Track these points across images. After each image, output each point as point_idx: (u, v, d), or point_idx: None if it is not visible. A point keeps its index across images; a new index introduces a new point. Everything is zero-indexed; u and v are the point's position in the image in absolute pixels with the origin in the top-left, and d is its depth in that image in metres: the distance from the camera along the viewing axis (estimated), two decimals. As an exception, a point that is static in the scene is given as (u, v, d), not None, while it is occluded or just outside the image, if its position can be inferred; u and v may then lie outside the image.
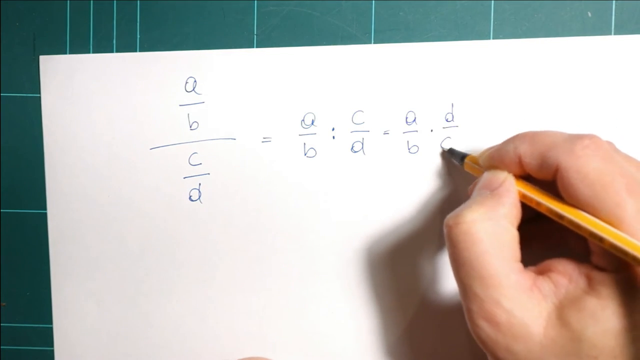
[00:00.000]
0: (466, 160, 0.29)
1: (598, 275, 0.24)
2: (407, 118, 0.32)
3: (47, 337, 0.34)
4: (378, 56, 0.31)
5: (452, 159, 0.31)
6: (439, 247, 0.32)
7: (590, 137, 0.24)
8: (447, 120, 0.31)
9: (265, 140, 0.32)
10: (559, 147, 0.24)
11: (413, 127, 0.32)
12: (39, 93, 0.33)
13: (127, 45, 0.32)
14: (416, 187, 0.32)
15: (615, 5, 0.31)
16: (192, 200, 0.33)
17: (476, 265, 0.24)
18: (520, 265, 0.25)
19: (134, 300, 0.33)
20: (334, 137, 0.32)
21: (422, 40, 0.31)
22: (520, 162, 0.26)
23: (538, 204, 0.26)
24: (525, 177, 0.26)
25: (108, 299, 0.33)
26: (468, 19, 0.31)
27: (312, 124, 0.32)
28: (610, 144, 0.25)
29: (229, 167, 0.32)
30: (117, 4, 0.32)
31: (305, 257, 0.32)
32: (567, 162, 0.24)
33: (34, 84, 0.33)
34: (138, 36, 0.32)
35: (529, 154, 0.25)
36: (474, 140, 0.31)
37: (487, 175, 0.27)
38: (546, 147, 0.25)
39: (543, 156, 0.25)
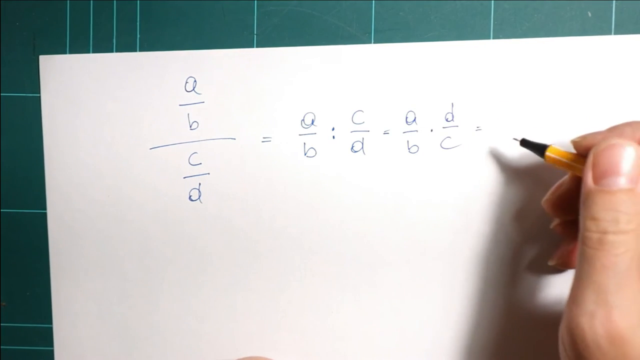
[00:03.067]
0: (547, 152, 0.27)
1: None
2: (407, 118, 0.32)
3: (47, 337, 0.34)
4: (378, 56, 0.31)
5: (528, 149, 0.29)
6: (438, 246, 0.32)
7: None
8: (447, 120, 0.31)
9: (265, 140, 0.32)
10: None
11: (413, 127, 0.32)
12: (39, 93, 0.33)
13: (127, 45, 0.32)
14: (416, 187, 0.32)
15: (615, 5, 0.31)
16: (192, 200, 0.33)
17: None
18: None
19: (134, 300, 0.33)
20: (334, 137, 0.32)
21: (422, 40, 0.31)
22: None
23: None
24: None
25: (108, 299, 0.33)
26: (468, 19, 0.31)
27: (312, 123, 0.32)
28: None
29: (229, 167, 0.32)
30: (117, 4, 0.32)
31: (305, 256, 0.32)
32: None
33: (34, 84, 0.33)
34: (138, 36, 0.32)
35: None
36: (474, 140, 0.31)
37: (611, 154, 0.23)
38: None
39: None
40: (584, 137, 0.26)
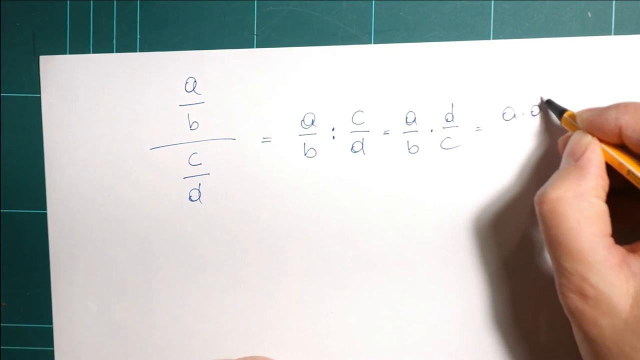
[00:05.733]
0: (565, 115, 0.29)
1: None
2: (407, 118, 0.32)
3: (47, 337, 0.34)
4: (378, 56, 0.31)
5: (549, 110, 0.30)
6: (438, 246, 0.32)
7: None
8: (447, 120, 0.31)
9: (265, 140, 0.32)
10: None
11: (413, 127, 0.32)
12: (39, 93, 0.33)
13: (127, 45, 0.32)
14: (416, 187, 0.32)
15: (615, 5, 0.31)
16: (192, 200, 0.33)
17: (563, 241, 0.25)
18: (610, 240, 0.25)
19: (134, 300, 0.33)
20: (334, 137, 0.32)
21: (422, 40, 0.31)
22: (619, 133, 0.25)
23: (629, 172, 0.25)
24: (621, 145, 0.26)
25: (108, 299, 0.33)
26: (468, 19, 0.31)
27: (312, 124, 0.32)
28: None
29: (229, 167, 0.32)
30: (117, 4, 0.32)
31: (305, 257, 0.32)
32: None
33: (34, 84, 0.33)
34: (138, 36, 0.32)
35: (630, 128, 0.25)
36: (474, 141, 0.31)
37: (572, 140, 0.27)
38: None
39: None
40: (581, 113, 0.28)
